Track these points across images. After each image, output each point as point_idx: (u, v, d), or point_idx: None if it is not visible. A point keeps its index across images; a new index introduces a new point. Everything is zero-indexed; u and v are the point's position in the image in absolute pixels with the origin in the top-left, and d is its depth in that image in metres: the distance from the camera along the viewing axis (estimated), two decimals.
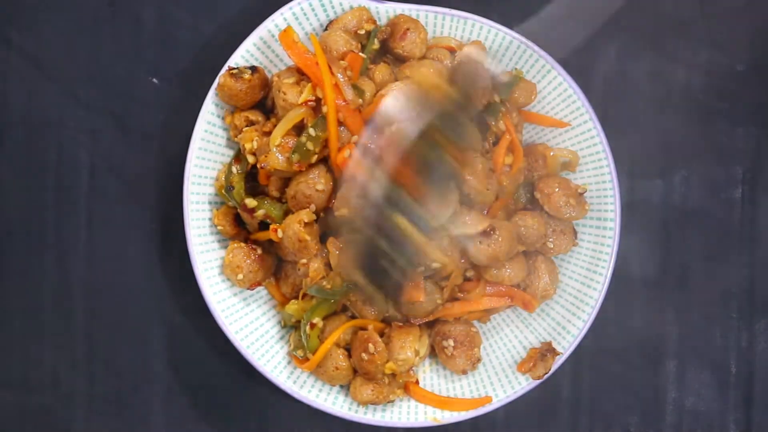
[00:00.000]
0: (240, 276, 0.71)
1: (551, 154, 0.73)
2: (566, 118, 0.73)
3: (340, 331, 0.71)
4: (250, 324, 0.72)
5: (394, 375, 0.71)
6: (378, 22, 0.72)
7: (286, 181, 0.70)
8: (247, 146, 0.70)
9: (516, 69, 0.73)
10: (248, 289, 0.73)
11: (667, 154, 0.80)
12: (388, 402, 0.72)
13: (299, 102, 0.68)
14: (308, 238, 0.68)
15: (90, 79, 0.77)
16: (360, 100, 0.68)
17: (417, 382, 0.73)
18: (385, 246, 0.64)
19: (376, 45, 0.71)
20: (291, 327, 0.73)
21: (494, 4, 0.76)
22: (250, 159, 0.70)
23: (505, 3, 0.77)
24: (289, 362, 0.72)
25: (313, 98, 0.68)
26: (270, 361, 0.71)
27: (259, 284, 0.73)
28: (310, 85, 0.68)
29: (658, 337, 0.79)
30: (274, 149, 0.68)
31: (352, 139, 0.68)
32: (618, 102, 0.79)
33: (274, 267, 0.74)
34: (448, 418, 0.71)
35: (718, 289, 0.80)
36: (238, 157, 0.72)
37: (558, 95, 0.73)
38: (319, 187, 0.68)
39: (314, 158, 0.68)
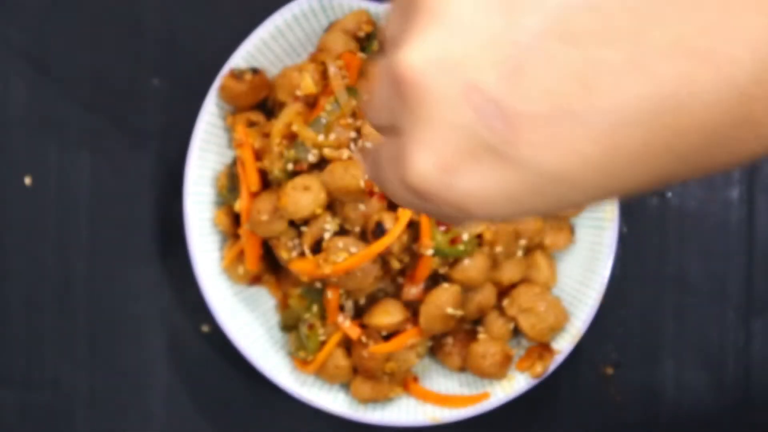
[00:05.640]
0: (240, 270, 0.72)
1: None
2: None
3: (340, 334, 0.71)
4: (250, 324, 0.72)
5: (393, 373, 0.71)
6: (378, 24, 0.73)
7: None
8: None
9: None
10: (249, 284, 0.73)
11: None
12: (388, 400, 0.72)
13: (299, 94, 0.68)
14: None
15: (90, 79, 0.78)
16: (354, 102, 0.68)
17: (416, 380, 0.73)
18: None
19: (376, 46, 0.71)
20: (291, 327, 0.73)
21: None
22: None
23: None
24: (289, 362, 0.72)
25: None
26: (270, 360, 0.72)
27: (259, 279, 0.73)
28: (307, 77, 0.68)
29: (655, 337, 0.80)
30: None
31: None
32: None
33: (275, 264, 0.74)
34: (448, 416, 0.71)
35: (714, 289, 0.80)
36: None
37: None
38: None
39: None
